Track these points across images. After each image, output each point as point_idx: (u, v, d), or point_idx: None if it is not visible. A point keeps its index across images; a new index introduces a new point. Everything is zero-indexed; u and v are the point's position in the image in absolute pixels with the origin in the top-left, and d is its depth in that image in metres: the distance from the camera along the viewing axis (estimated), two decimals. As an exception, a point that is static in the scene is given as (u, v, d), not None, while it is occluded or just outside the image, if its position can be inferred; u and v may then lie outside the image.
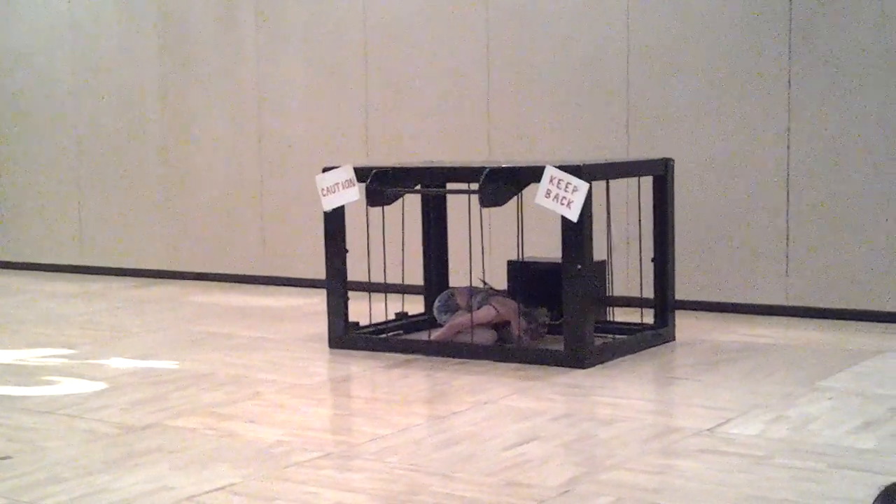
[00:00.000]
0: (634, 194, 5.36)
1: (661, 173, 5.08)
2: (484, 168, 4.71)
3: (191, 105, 7.51)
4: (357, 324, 5.25)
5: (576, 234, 4.57)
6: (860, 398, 4.02)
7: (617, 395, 4.16)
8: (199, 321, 6.01)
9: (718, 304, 5.85)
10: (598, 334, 4.85)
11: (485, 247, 5.76)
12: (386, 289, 5.40)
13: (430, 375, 4.60)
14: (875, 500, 2.33)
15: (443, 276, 5.60)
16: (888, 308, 5.43)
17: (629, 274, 5.78)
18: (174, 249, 7.69)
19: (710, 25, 5.75)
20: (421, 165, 5.24)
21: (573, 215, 4.54)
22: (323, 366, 4.85)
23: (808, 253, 5.60)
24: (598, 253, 5.08)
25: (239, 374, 4.67)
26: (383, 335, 5.23)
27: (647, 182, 5.26)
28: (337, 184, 5.07)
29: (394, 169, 5.09)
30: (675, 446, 3.47)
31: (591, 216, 4.60)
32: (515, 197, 4.86)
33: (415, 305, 5.64)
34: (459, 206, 5.62)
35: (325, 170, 5.14)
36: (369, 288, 5.46)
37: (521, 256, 5.24)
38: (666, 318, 5.12)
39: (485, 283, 5.25)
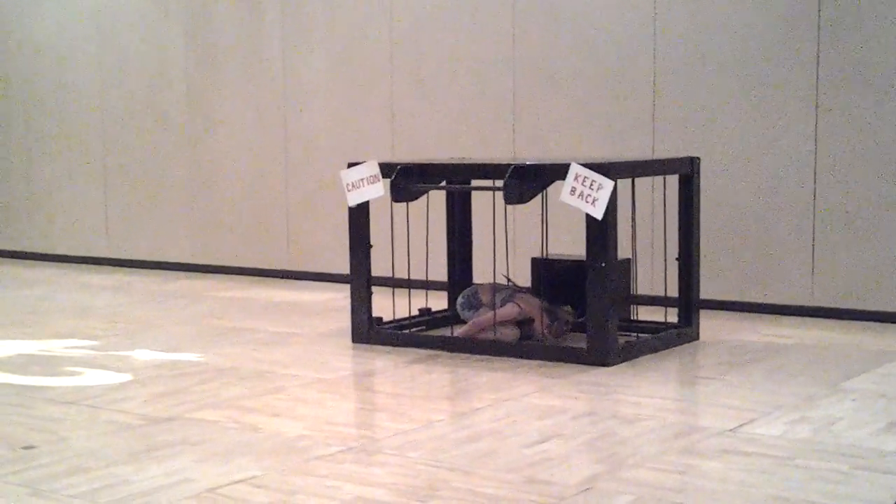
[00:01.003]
0: (660, 193, 5.34)
1: (687, 172, 5.06)
2: (509, 165, 4.71)
3: (216, 99, 7.54)
4: (381, 319, 5.26)
5: (600, 231, 4.56)
6: (884, 399, 4.00)
7: (640, 394, 4.15)
8: (224, 315, 6.03)
9: (743, 303, 5.83)
10: (622, 333, 4.84)
11: (509, 244, 5.76)
12: (410, 284, 5.41)
13: (453, 371, 4.60)
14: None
15: (467, 272, 5.60)
16: (914, 310, 5.41)
17: (654, 272, 5.76)
18: (200, 243, 7.72)
19: (738, 24, 5.72)
20: (446, 162, 5.24)
21: (598, 213, 4.53)
22: (346, 361, 4.85)
23: (833, 253, 5.57)
24: (623, 251, 5.07)
25: (262, 369, 4.68)
26: (406, 331, 5.24)
27: (673, 180, 5.25)
28: (362, 179, 5.08)
29: (419, 165, 5.09)
30: (698, 446, 3.46)
31: (615, 214, 4.59)
32: (540, 194, 4.86)
33: (438, 301, 5.65)
34: (484, 203, 5.63)
35: (350, 165, 5.15)
36: (393, 283, 5.47)
37: (545, 254, 5.23)
38: (690, 317, 5.10)
39: (509, 280, 5.25)
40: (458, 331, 5.07)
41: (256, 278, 7.39)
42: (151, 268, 7.94)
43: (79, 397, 4.21)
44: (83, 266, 8.19)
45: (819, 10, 5.51)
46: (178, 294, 6.82)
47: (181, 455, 3.44)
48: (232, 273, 7.56)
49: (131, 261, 8.06)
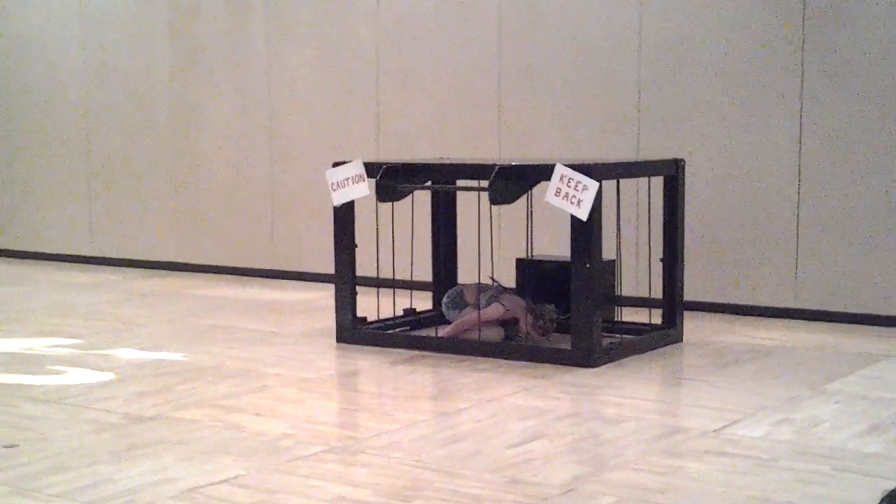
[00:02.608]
0: (645, 194, 5.35)
1: (671, 174, 5.07)
2: (494, 165, 4.71)
3: (201, 98, 7.52)
4: (365, 319, 5.25)
5: (585, 233, 4.56)
6: (866, 402, 4.01)
7: (623, 395, 4.15)
8: (207, 314, 6.02)
9: (727, 305, 5.84)
10: (606, 334, 4.84)
11: (494, 244, 5.75)
12: (394, 284, 5.41)
13: (437, 372, 4.60)
14: (881, 501, 2.33)
15: (451, 272, 5.60)
16: (897, 312, 5.42)
17: (638, 274, 5.77)
18: (183, 242, 7.70)
19: (723, 25, 5.73)
20: (431, 162, 5.24)
21: (583, 214, 4.53)
22: (330, 360, 4.85)
23: (817, 255, 5.59)
24: (608, 252, 5.08)
25: (245, 368, 4.67)
26: (391, 331, 5.23)
27: (658, 182, 5.26)
28: (347, 179, 5.07)
29: (404, 165, 5.08)
30: (681, 447, 3.47)
31: (600, 215, 4.60)
32: (525, 195, 4.86)
33: (423, 302, 5.64)
34: (469, 203, 5.62)
35: (335, 164, 5.14)
36: (378, 283, 5.47)
37: (529, 254, 5.23)
38: (674, 318, 5.11)
39: (493, 281, 5.25)
40: (443, 331, 5.07)
41: (240, 277, 7.38)
42: (135, 266, 7.91)
43: (61, 396, 4.20)
44: (66, 264, 8.16)
45: (803, 13, 5.52)
46: (161, 292, 6.80)
47: (163, 454, 3.43)
48: (216, 272, 7.54)
49: (115, 259, 8.03)
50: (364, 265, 5.40)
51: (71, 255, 8.26)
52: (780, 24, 5.58)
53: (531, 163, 4.80)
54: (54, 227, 8.34)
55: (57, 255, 8.33)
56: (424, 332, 5.23)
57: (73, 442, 3.58)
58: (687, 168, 5.40)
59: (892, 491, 2.35)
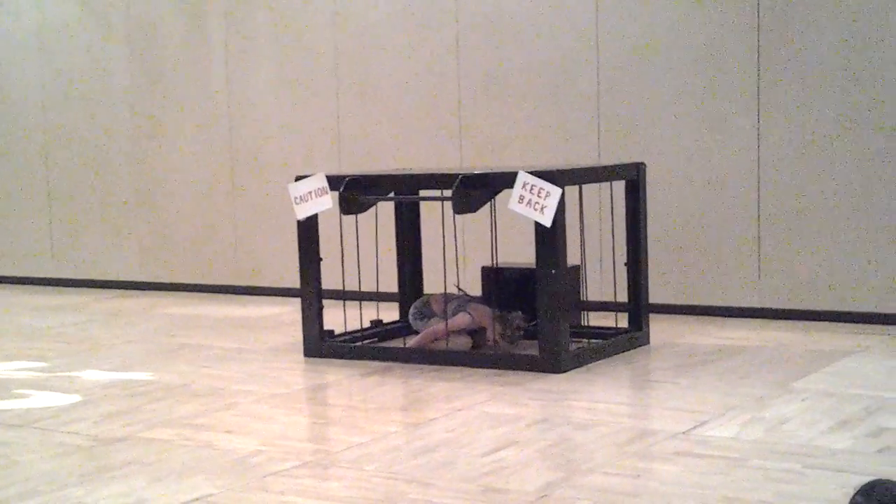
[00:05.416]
0: (607, 199, 5.37)
1: (633, 178, 5.09)
2: (457, 174, 4.71)
3: (161, 115, 7.48)
4: (332, 332, 5.24)
5: (549, 239, 4.58)
6: (834, 399, 4.05)
7: (593, 400, 4.17)
8: (173, 332, 5.99)
9: (692, 307, 5.87)
10: (573, 339, 4.86)
11: (459, 253, 5.76)
12: (360, 297, 5.40)
13: (406, 382, 4.59)
14: (854, 496, 2.34)
15: (417, 283, 5.60)
16: (860, 309, 5.47)
17: (603, 278, 5.79)
18: (147, 260, 7.66)
19: (680, 31, 5.77)
20: (394, 173, 5.24)
21: (546, 220, 4.55)
22: (298, 375, 4.83)
23: (779, 255, 5.63)
24: (572, 258, 5.10)
25: (214, 385, 4.65)
26: (358, 343, 5.23)
27: (620, 186, 5.28)
28: (310, 192, 5.07)
29: (367, 176, 5.08)
30: (652, 449, 3.48)
31: (564, 221, 4.61)
32: (489, 203, 4.87)
33: (390, 313, 5.64)
34: (433, 213, 5.63)
35: (297, 178, 5.13)
36: (344, 296, 5.46)
37: (495, 262, 5.24)
38: (640, 321, 5.13)
39: (460, 290, 5.25)
40: (411, 342, 5.07)
41: (206, 294, 7.34)
42: (98, 287, 7.86)
43: (28, 420, 4.16)
44: (28, 287, 8.10)
45: (758, 15, 5.57)
46: (125, 312, 6.76)
47: (134, 475, 3.41)
48: (181, 290, 7.50)
49: (78, 280, 7.98)
50: (329, 278, 5.39)
51: (33, 278, 8.19)
52: (736, 28, 5.63)
53: (494, 171, 4.81)
54: (15, 250, 8.27)
55: (19, 277, 8.26)
56: (392, 344, 5.23)
57: (41, 466, 3.55)
58: (648, 171, 5.43)
59: (865, 486, 2.37)
